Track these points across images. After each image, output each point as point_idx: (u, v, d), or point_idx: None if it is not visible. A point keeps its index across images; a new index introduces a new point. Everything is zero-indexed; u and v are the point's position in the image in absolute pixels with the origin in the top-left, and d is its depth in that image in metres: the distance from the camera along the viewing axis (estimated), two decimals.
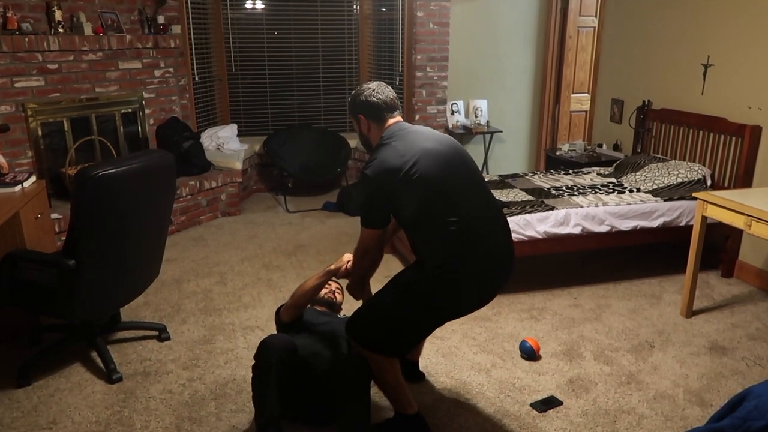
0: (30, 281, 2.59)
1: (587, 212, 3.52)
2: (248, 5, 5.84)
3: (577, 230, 3.50)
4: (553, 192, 3.88)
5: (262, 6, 5.87)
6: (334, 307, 2.79)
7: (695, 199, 3.16)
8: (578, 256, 4.11)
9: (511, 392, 2.61)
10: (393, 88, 2.30)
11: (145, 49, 4.51)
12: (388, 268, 3.96)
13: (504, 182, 4.19)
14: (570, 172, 4.50)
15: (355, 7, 5.96)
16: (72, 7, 4.12)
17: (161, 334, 3.03)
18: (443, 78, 5.51)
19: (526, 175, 4.42)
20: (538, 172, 4.52)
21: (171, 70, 4.80)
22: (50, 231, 3.24)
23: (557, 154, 5.19)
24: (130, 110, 4.56)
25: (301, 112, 6.15)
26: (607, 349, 2.97)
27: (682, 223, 3.65)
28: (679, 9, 4.21)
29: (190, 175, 4.81)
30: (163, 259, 3.00)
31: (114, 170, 2.36)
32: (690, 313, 3.30)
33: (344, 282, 2.49)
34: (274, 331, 3.09)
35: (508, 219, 3.37)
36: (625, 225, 3.58)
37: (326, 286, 2.75)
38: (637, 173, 4.11)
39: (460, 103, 5.72)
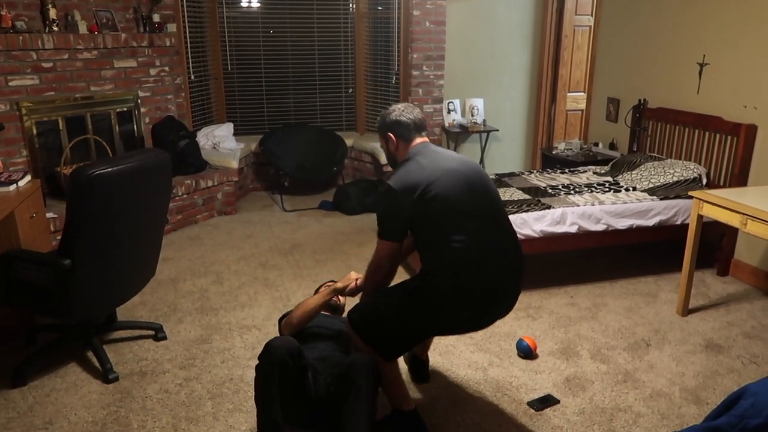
0: (25, 281, 2.58)
1: (583, 211, 3.53)
2: (244, 4, 5.82)
3: (573, 229, 3.50)
4: (550, 191, 3.88)
5: (258, 4, 5.86)
6: (338, 310, 2.77)
7: (691, 197, 3.16)
8: (575, 255, 4.12)
9: (508, 391, 2.62)
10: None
11: (141, 47, 4.49)
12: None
13: (500, 181, 4.19)
14: (566, 170, 4.51)
15: (351, 5, 5.95)
16: (66, 5, 4.10)
17: (157, 333, 3.02)
18: (439, 77, 5.51)
19: (523, 173, 4.43)
20: (535, 171, 4.52)
21: (166, 68, 4.78)
22: (45, 230, 3.23)
23: (553, 152, 5.20)
24: (125, 109, 4.55)
25: (297, 111, 6.14)
26: (603, 347, 2.98)
27: (678, 222, 3.66)
28: (675, 8, 4.22)
29: (186, 174, 4.80)
30: (159, 259, 2.99)
31: (109, 169, 2.35)
32: (686, 311, 3.31)
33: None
34: (271, 330, 3.10)
35: None
36: (621, 224, 3.59)
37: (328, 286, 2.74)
38: (633, 172, 4.12)
39: (457, 102, 5.73)
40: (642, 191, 3.82)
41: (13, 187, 2.94)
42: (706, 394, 2.60)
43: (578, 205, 3.55)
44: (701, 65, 4.02)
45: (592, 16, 5.70)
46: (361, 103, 6.17)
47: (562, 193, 3.82)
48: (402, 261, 2.43)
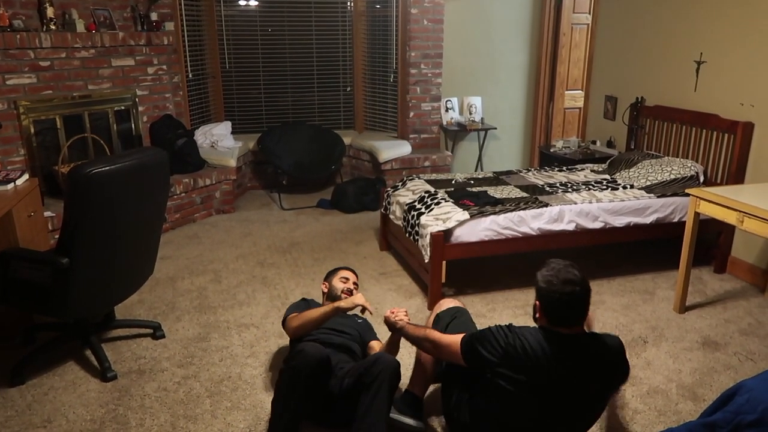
0: (23, 280, 2.58)
1: (581, 209, 3.53)
2: (242, 2, 5.82)
3: (570, 227, 3.51)
4: (547, 189, 3.89)
5: (256, 3, 5.85)
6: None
7: (688, 195, 3.17)
8: (572, 253, 4.12)
9: None
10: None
11: (138, 46, 4.49)
12: (383, 265, 3.97)
13: (498, 179, 4.20)
14: (564, 168, 4.52)
15: (349, 4, 5.95)
16: (64, 3, 4.09)
17: (156, 332, 3.03)
18: (437, 75, 5.52)
19: (520, 171, 4.43)
20: (532, 169, 4.53)
21: (164, 67, 4.78)
22: (43, 229, 3.23)
23: (551, 150, 5.20)
24: (123, 108, 4.54)
25: (295, 110, 6.14)
26: None
27: (675, 220, 3.67)
28: (672, 6, 4.23)
29: (184, 173, 4.80)
30: (157, 257, 2.99)
31: (107, 168, 2.35)
32: (683, 308, 3.32)
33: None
34: (269, 329, 3.11)
35: (503, 216, 3.39)
36: (619, 221, 3.60)
37: (344, 281, 2.73)
38: (631, 170, 4.13)
39: (455, 100, 5.73)
40: (639, 189, 3.83)
41: (10, 185, 2.94)
42: (702, 391, 2.61)
43: (576, 203, 3.56)
44: (698, 63, 4.03)
45: (589, 14, 5.70)
46: (359, 101, 6.17)
47: (560, 191, 3.83)
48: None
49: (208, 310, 3.34)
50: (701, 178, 3.91)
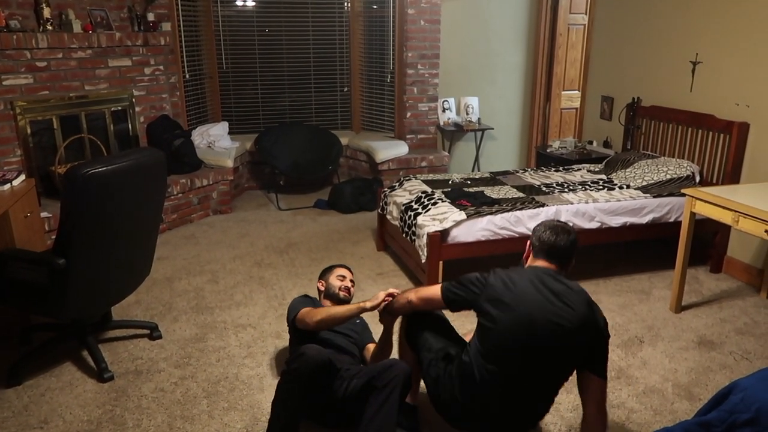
0: (20, 280, 2.58)
1: (577, 209, 3.54)
2: (239, 2, 5.81)
3: None
4: (544, 189, 3.90)
5: (253, 3, 5.85)
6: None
7: (684, 195, 3.18)
8: None
9: None
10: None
11: (135, 46, 4.49)
12: (380, 265, 3.97)
13: (495, 179, 4.21)
14: (560, 168, 4.53)
15: (346, 4, 5.95)
16: (61, 4, 4.09)
17: (153, 332, 3.02)
18: (434, 75, 5.53)
19: (517, 172, 4.44)
20: (529, 169, 4.54)
21: (161, 67, 4.77)
22: (40, 230, 3.23)
23: (548, 151, 5.21)
24: (120, 108, 4.54)
25: (292, 110, 6.14)
26: None
27: (671, 219, 3.68)
28: (668, 7, 4.24)
29: (181, 173, 4.79)
30: (154, 258, 2.99)
31: (104, 168, 2.35)
32: (679, 308, 3.33)
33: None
34: (266, 329, 3.11)
35: (500, 216, 3.39)
36: (615, 221, 3.61)
37: (341, 279, 2.73)
38: (627, 170, 4.14)
39: (452, 101, 5.74)
40: (636, 189, 3.84)
41: (7, 186, 2.93)
42: (698, 390, 2.62)
43: (572, 203, 3.57)
44: (694, 63, 4.04)
45: (586, 14, 5.72)
46: (356, 101, 6.18)
47: (557, 191, 3.84)
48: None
49: (205, 310, 3.34)
50: (697, 178, 3.93)
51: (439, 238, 3.29)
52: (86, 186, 2.31)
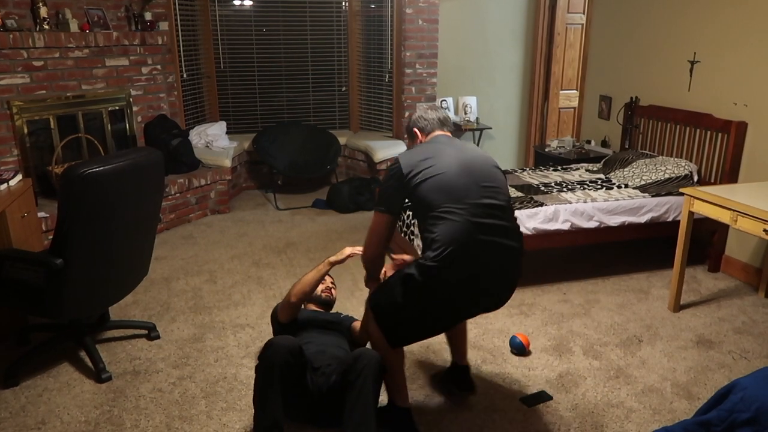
0: (17, 281, 2.57)
1: (576, 208, 3.54)
2: (236, 2, 5.80)
3: (565, 226, 3.52)
4: (542, 188, 3.90)
5: (251, 2, 5.84)
6: (330, 305, 2.79)
7: (682, 194, 3.18)
8: (567, 252, 4.14)
9: (500, 387, 2.63)
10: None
11: (132, 46, 4.47)
12: None
13: None
14: (559, 168, 4.53)
15: (344, 3, 5.94)
16: (57, 3, 4.08)
17: (150, 332, 3.02)
18: (432, 75, 5.52)
19: (516, 171, 4.44)
20: (527, 169, 4.54)
21: (159, 67, 4.76)
22: (37, 230, 3.21)
23: (546, 150, 5.21)
24: (117, 108, 4.53)
25: (290, 110, 6.14)
26: (596, 343, 3.00)
27: (670, 219, 3.68)
28: (666, 6, 4.24)
29: (179, 173, 4.79)
30: (152, 258, 2.98)
31: (101, 168, 2.34)
32: (677, 307, 3.33)
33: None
34: (264, 329, 3.10)
35: None
36: (614, 221, 3.61)
37: (322, 282, 2.74)
38: (625, 169, 4.14)
39: (450, 100, 5.73)
40: (634, 188, 3.84)
41: (4, 186, 2.92)
42: (697, 390, 2.62)
43: (571, 203, 3.57)
44: (692, 63, 4.04)
45: (584, 14, 5.72)
46: (354, 101, 6.17)
47: (555, 190, 3.84)
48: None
49: (203, 310, 3.33)
50: (695, 178, 3.93)
51: None
52: (84, 186, 2.31)
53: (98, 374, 2.65)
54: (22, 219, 2.93)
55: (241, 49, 5.86)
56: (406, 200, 2.16)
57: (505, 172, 4.40)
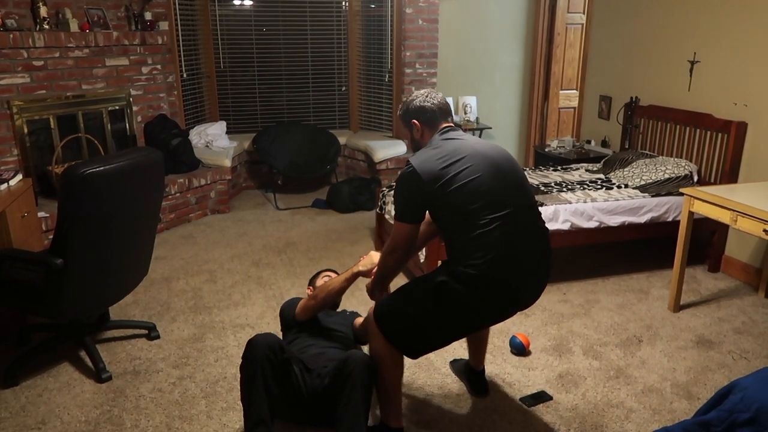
0: (17, 280, 2.57)
1: (576, 208, 3.54)
2: (236, 1, 5.80)
3: (565, 226, 3.52)
4: (542, 188, 3.90)
5: (251, 2, 5.84)
6: (337, 305, 2.78)
7: (682, 194, 3.18)
8: (567, 252, 4.14)
9: (501, 387, 2.63)
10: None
11: (132, 45, 4.47)
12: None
13: None
14: (559, 168, 4.52)
15: (343, 3, 5.94)
16: (57, 3, 4.07)
17: (151, 332, 3.02)
18: (432, 75, 5.52)
19: None
20: (527, 169, 4.54)
21: (158, 66, 4.76)
22: (37, 230, 3.21)
23: (546, 150, 5.21)
24: (117, 107, 4.53)
25: (290, 109, 6.14)
26: (595, 343, 3.00)
27: (670, 219, 3.68)
28: (666, 6, 4.24)
29: (179, 173, 4.78)
30: (152, 258, 2.98)
31: (102, 168, 2.34)
32: (677, 307, 3.34)
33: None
34: (264, 329, 3.10)
35: None
36: (614, 221, 3.61)
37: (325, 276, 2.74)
38: (625, 169, 4.14)
39: (450, 100, 5.73)
40: (634, 188, 3.84)
41: (4, 186, 2.92)
42: (697, 390, 2.62)
43: (571, 203, 3.57)
44: (692, 63, 4.04)
45: (584, 14, 5.72)
46: (354, 101, 6.17)
47: (555, 190, 3.84)
48: (418, 251, 2.32)
49: (203, 310, 3.33)
50: (695, 178, 3.93)
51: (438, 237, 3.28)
52: (84, 186, 2.30)
53: (98, 374, 2.65)
54: (22, 219, 2.93)
55: (241, 49, 5.86)
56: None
57: None
